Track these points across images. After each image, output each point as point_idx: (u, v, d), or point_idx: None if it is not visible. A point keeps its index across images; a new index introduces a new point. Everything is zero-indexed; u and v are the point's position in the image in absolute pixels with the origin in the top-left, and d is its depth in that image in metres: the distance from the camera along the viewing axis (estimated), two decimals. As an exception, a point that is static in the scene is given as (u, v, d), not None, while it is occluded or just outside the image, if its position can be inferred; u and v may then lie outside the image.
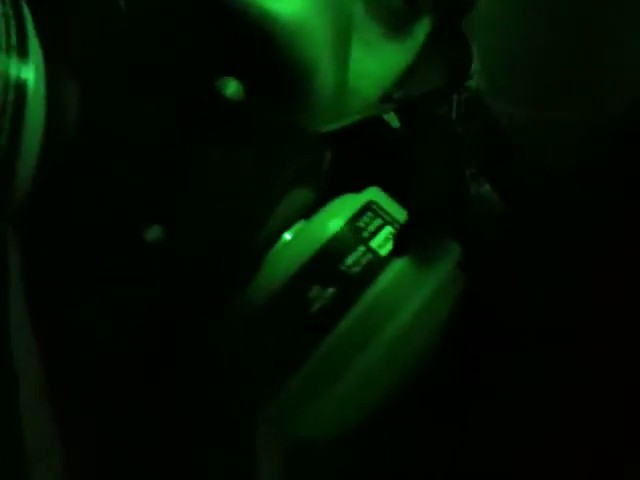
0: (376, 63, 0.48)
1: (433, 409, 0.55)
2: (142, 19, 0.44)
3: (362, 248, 0.45)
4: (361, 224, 0.46)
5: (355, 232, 0.46)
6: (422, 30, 0.50)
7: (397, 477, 0.55)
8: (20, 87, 0.41)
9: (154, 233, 0.45)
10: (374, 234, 0.46)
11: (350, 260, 0.45)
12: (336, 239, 0.45)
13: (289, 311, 0.45)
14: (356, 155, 0.50)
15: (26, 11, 0.43)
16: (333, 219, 0.46)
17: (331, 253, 0.45)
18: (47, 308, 0.52)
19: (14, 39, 0.41)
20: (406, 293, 0.45)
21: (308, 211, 0.47)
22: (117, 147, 0.44)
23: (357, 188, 0.48)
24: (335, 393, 0.44)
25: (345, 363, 0.44)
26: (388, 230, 0.46)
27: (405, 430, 0.55)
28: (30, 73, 0.41)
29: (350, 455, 0.54)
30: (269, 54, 0.43)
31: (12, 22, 0.42)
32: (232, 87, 0.43)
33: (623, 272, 0.52)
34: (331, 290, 0.44)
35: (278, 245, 0.47)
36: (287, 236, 0.47)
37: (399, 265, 0.45)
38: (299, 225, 0.47)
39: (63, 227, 0.46)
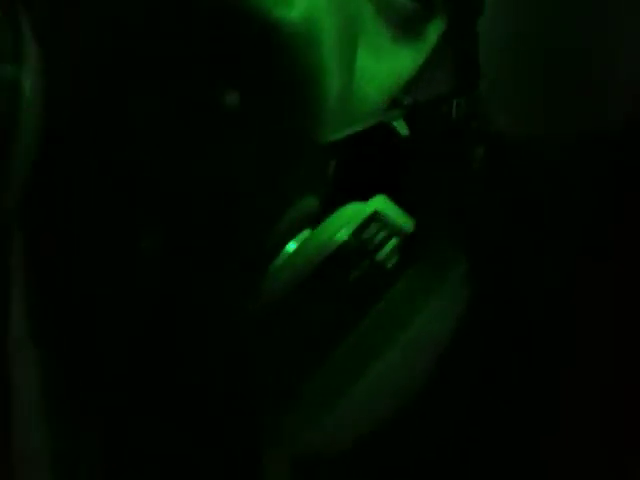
0: (384, 67, 0.47)
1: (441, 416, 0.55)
2: (147, 20, 0.43)
3: (367, 262, 0.45)
4: (366, 235, 0.45)
5: (361, 244, 0.45)
6: (434, 31, 0.49)
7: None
8: (14, 90, 0.40)
9: (149, 242, 0.44)
10: (380, 246, 0.45)
11: (355, 274, 0.44)
12: (341, 251, 0.45)
13: (291, 325, 0.44)
14: (364, 162, 0.49)
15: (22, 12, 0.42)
16: (339, 230, 0.45)
17: (336, 266, 0.45)
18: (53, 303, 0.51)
19: (9, 43, 0.40)
20: (410, 310, 0.44)
21: (314, 220, 0.47)
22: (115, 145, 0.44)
23: (365, 196, 0.47)
24: (344, 403, 0.44)
25: (350, 380, 0.44)
26: (394, 242, 0.46)
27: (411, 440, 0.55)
28: (25, 76, 0.40)
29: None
30: (273, 61, 0.42)
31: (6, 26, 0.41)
32: (230, 96, 0.42)
33: (620, 272, 0.52)
34: (335, 305, 0.44)
35: (283, 254, 0.46)
36: (292, 245, 0.46)
37: (403, 283, 0.45)
38: (304, 234, 0.47)
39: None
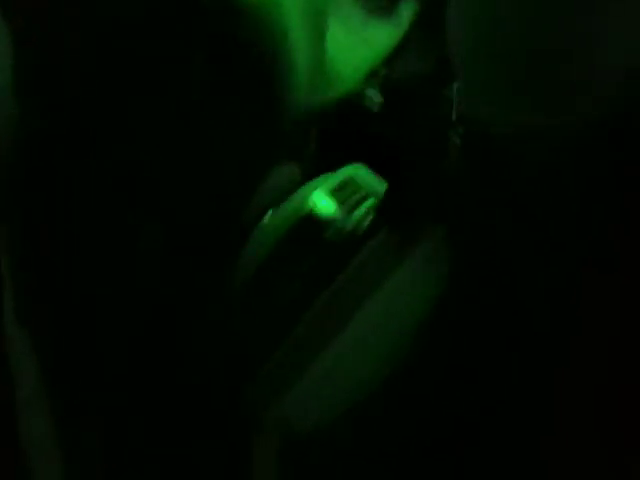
0: (358, 43, 0.48)
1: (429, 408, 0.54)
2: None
3: (342, 221, 0.45)
4: (342, 197, 0.46)
5: (336, 204, 0.46)
6: (407, 13, 0.50)
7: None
8: None
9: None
10: (355, 207, 0.46)
11: (330, 232, 0.45)
12: (317, 211, 0.46)
13: (273, 284, 0.45)
14: (342, 134, 0.49)
15: None
16: (314, 192, 0.46)
17: (311, 225, 0.45)
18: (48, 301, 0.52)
19: None
20: (384, 269, 0.44)
21: (296, 188, 0.47)
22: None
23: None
24: (317, 367, 0.44)
25: (327, 336, 0.44)
26: (369, 203, 0.46)
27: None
28: None
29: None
30: (241, 29, 0.44)
31: None
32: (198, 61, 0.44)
33: (619, 274, 0.51)
34: (312, 261, 0.44)
35: (264, 218, 0.47)
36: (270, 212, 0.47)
37: (377, 241, 0.45)
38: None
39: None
